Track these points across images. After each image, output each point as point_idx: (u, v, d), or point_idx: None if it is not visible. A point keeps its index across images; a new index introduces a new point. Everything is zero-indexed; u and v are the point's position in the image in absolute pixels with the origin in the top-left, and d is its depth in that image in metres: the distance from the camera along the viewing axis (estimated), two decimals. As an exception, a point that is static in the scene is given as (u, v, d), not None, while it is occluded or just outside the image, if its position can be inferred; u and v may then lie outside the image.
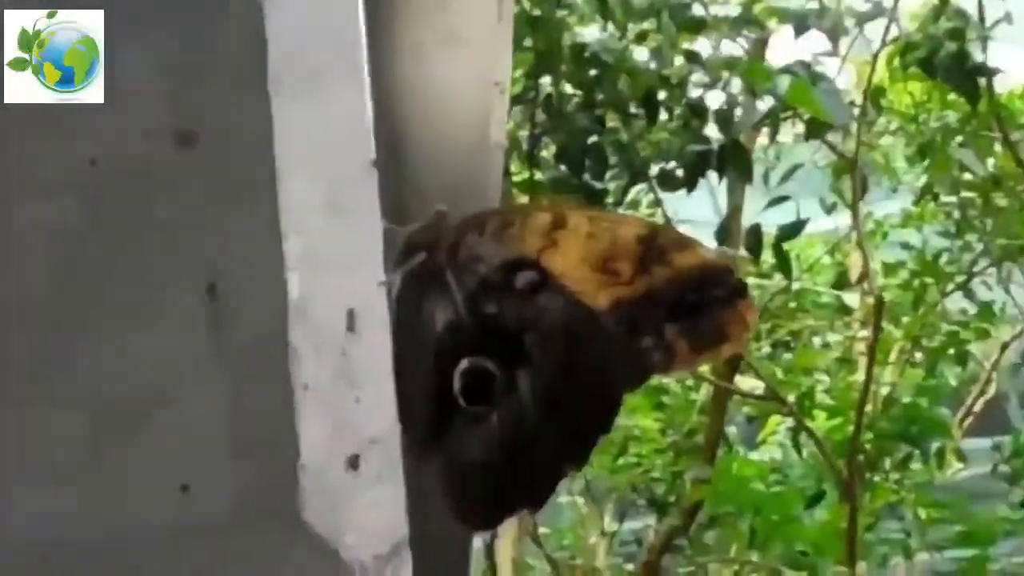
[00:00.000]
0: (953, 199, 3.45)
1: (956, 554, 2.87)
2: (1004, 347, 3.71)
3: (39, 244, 0.57)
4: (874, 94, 2.87)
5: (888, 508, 3.24)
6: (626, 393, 0.74)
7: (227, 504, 0.56)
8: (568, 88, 2.35)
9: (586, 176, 2.32)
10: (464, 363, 0.71)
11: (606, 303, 0.72)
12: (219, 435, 0.56)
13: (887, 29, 2.63)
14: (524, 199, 2.37)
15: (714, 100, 2.37)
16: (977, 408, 3.66)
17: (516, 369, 0.71)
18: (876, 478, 3.16)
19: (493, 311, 0.72)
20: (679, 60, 2.37)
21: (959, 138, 3.13)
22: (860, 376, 3.58)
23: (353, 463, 0.58)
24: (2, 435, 0.56)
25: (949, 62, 2.50)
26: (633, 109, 2.36)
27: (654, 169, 2.40)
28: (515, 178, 2.42)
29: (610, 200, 2.41)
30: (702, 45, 2.45)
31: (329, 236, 0.59)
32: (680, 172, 2.35)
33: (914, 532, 3.08)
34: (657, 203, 2.68)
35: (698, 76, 2.38)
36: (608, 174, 2.39)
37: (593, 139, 2.33)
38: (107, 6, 0.58)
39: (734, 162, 2.32)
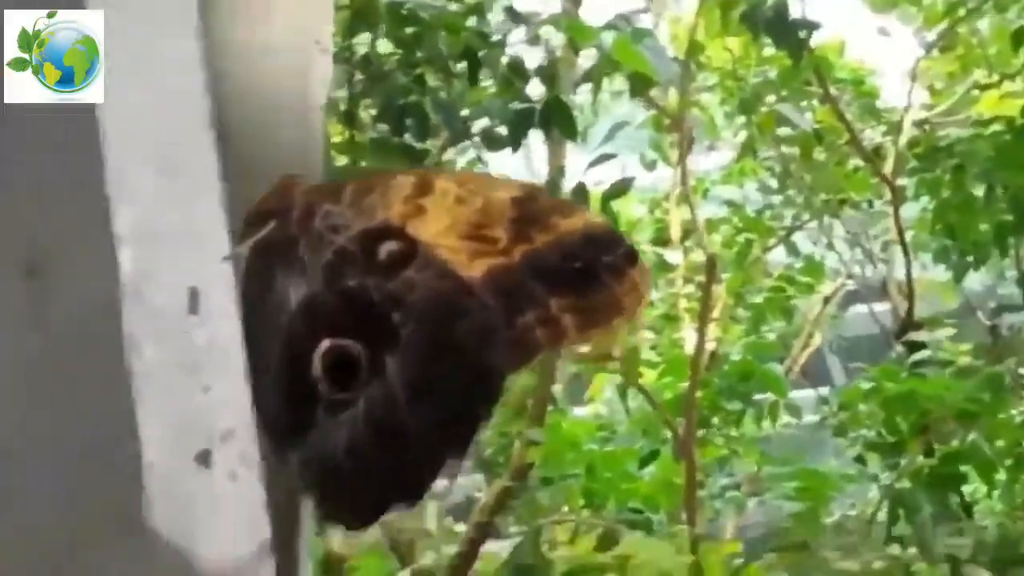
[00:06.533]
0: (773, 154, 3.46)
1: (791, 507, 2.87)
2: (826, 300, 3.73)
3: None
4: (693, 50, 2.86)
5: (716, 464, 3.24)
6: (509, 374, 0.68)
7: (65, 514, 0.49)
8: (387, 46, 2.29)
9: (407, 136, 2.26)
10: (324, 344, 0.64)
11: (481, 274, 0.65)
12: (50, 437, 0.49)
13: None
14: (343, 161, 2.30)
15: (533, 57, 2.33)
16: (801, 361, 3.67)
17: (383, 349, 0.64)
18: (704, 434, 3.16)
19: (354, 286, 0.65)
20: (498, 16, 2.33)
21: (782, 92, 3.13)
22: (683, 333, 3.59)
23: (204, 459, 0.51)
24: None
25: (771, 16, 2.49)
26: (454, 67, 2.30)
27: (477, 128, 2.36)
28: (334, 139, 2.34)
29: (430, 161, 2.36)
30: (519, 1, 2.40)
31: (164, 204, 0.52)
32: (503, 131, 2.30)
33: (745, 487, 3.08)
34: (480, 162, 2.63)
35: (518, 33, 2.33)
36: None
37: (413, 98, 2.27)
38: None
39: (558, 120, 2.28)
